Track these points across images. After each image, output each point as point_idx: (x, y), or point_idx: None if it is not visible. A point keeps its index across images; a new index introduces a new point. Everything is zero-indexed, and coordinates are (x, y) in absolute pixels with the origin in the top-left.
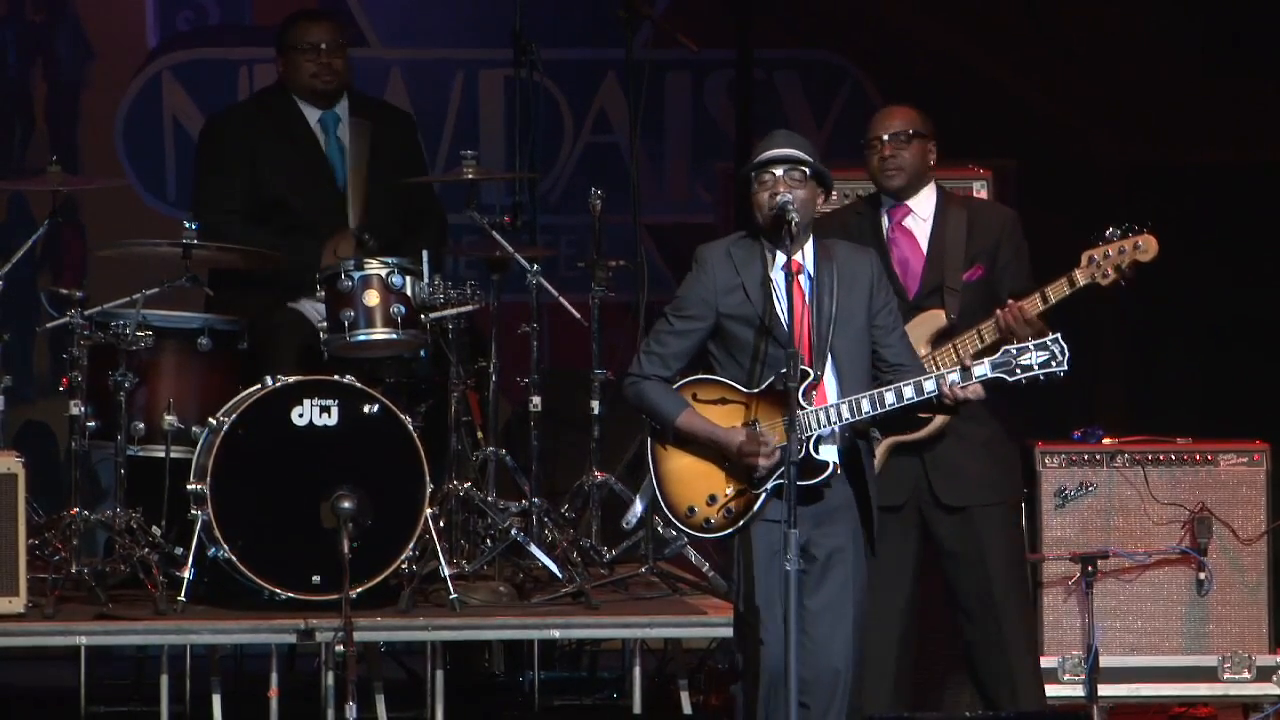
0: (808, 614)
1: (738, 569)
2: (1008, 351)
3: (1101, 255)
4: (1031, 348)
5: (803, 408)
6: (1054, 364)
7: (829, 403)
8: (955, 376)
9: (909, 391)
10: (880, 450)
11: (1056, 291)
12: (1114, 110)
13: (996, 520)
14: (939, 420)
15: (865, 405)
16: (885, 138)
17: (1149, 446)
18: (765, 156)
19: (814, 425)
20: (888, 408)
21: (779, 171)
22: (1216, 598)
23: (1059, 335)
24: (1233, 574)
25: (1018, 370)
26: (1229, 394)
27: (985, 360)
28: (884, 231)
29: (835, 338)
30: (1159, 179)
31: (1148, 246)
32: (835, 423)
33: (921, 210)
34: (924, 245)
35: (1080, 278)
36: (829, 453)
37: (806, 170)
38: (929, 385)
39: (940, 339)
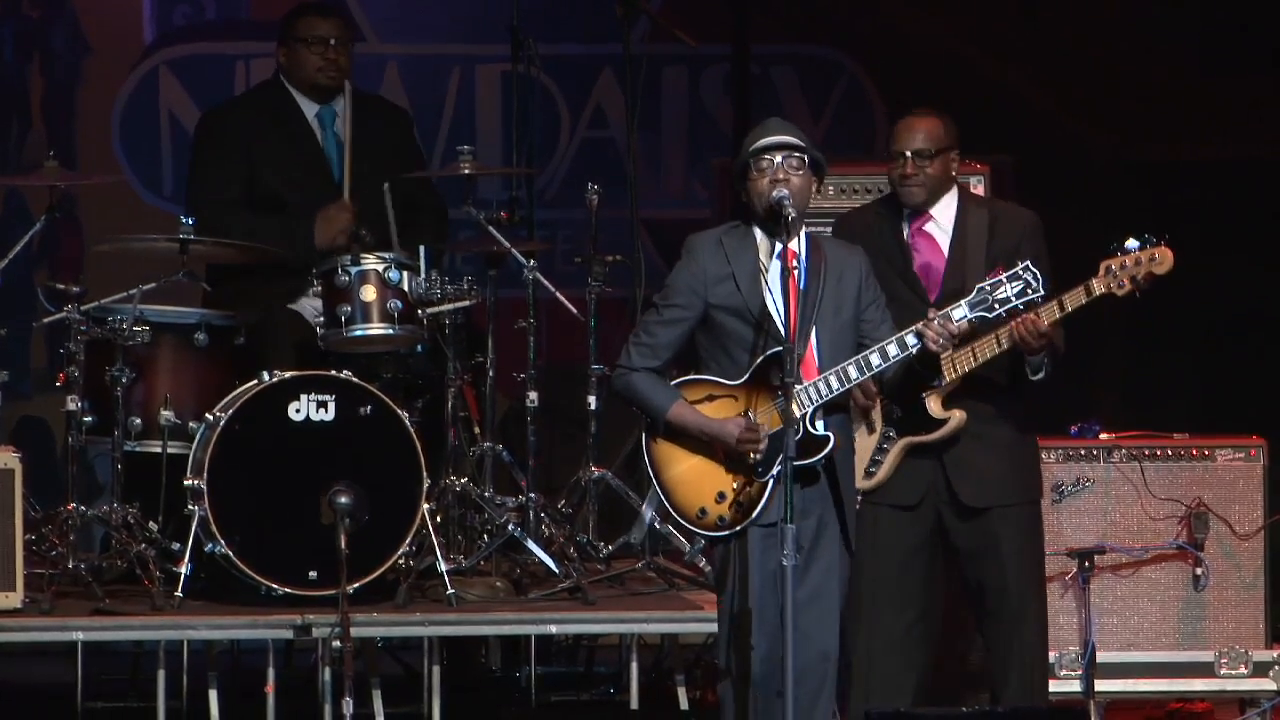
0: (794, 603)
1: (733, 568)
2: (982, 289)
3: (1118, 266)
4: (1004, 280)
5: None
6: (1030, 291)
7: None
8: (935, 325)
9: (893, 349)
10: (895, 450)
11: (1073, 300)
12: (1111, 106)
13: (1016, 521)
14: (954, 423)
15: (853, 371)
16: (909, 154)
17: (1146, 442)
18: (764, 143)
19: (805, 401)
20: (874, 369)
21: (778, 158)
22: (1213, 593)
23: (1029, 263)
24: (1229, 569)
25: (996, 305)
26: (1226, 389)
27: (962, 302)
28: (905, 236)
29: (820, 324)
30: (1156, 175)
31: (1163, 259)
32: (826, 395)
33: (942, 217)
34: (945, 249)
35: (1098, 287)
36: (825, 427)
37: (805, 158)
38: (910, 339)
39: (959, 342)
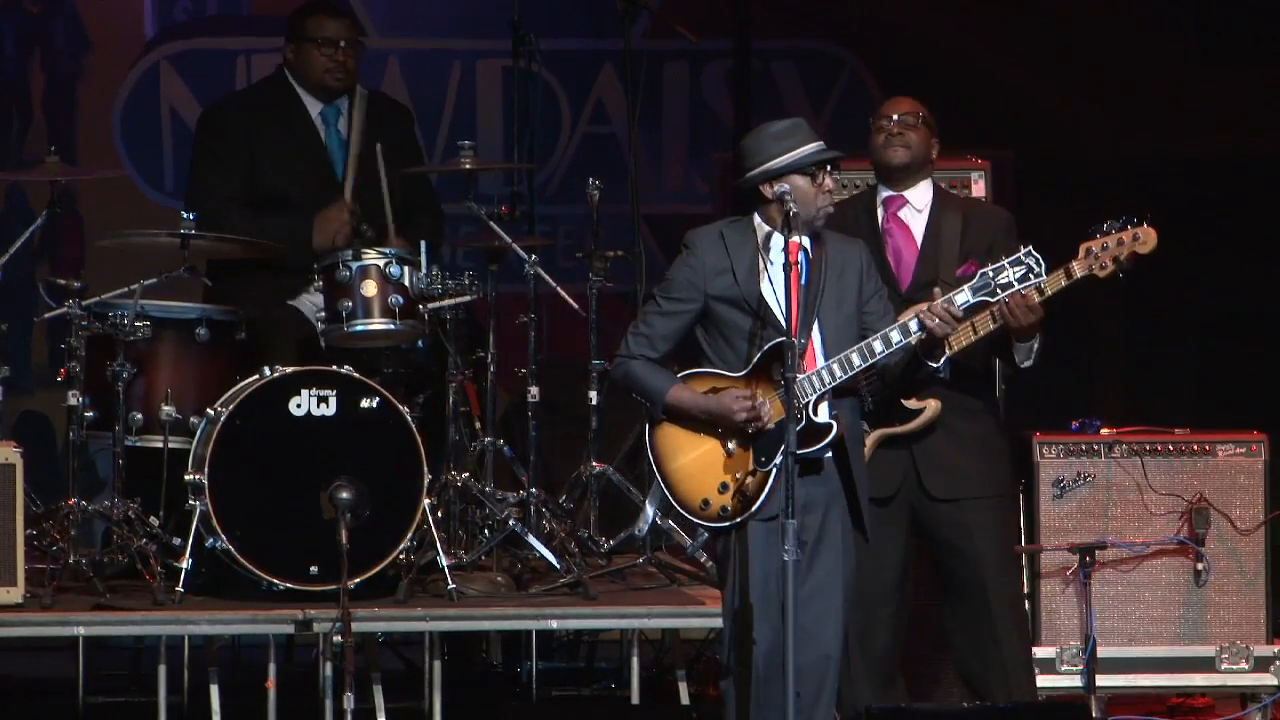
0: (797, 600)
1: (734, 564)
2: (984, 275)
3: (1100, 247)
4: (1007, 265)
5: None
6: (1032, 275)
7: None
8: (938, 308)
9: (896, 335)
10: (869, 442)
11: (1053, 284)
12: (1111, 101)
13: (986, 513)
14: (929, 413)
15: (855, 359)
16: (894, 117)
17: (1147, 437)
18: (826, 155)
19: (808, 390)
20: (877, 356)
21: (830, 170)
22: (1214, 588)
23: (1031, 248)
24: (1230, 564)
25: (998, 290)
26: (1226, 384)
27: (965, 288)
28: (879, 222)
29: (824, 316)
30: (1156, 169)
31: (1147, 238)
32: (829, 384)
33: (917, 202)
34: (919, 238)
35: (1077, 269)
36: (828, 415)
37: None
38: (914, 325)
39: (969, 309)
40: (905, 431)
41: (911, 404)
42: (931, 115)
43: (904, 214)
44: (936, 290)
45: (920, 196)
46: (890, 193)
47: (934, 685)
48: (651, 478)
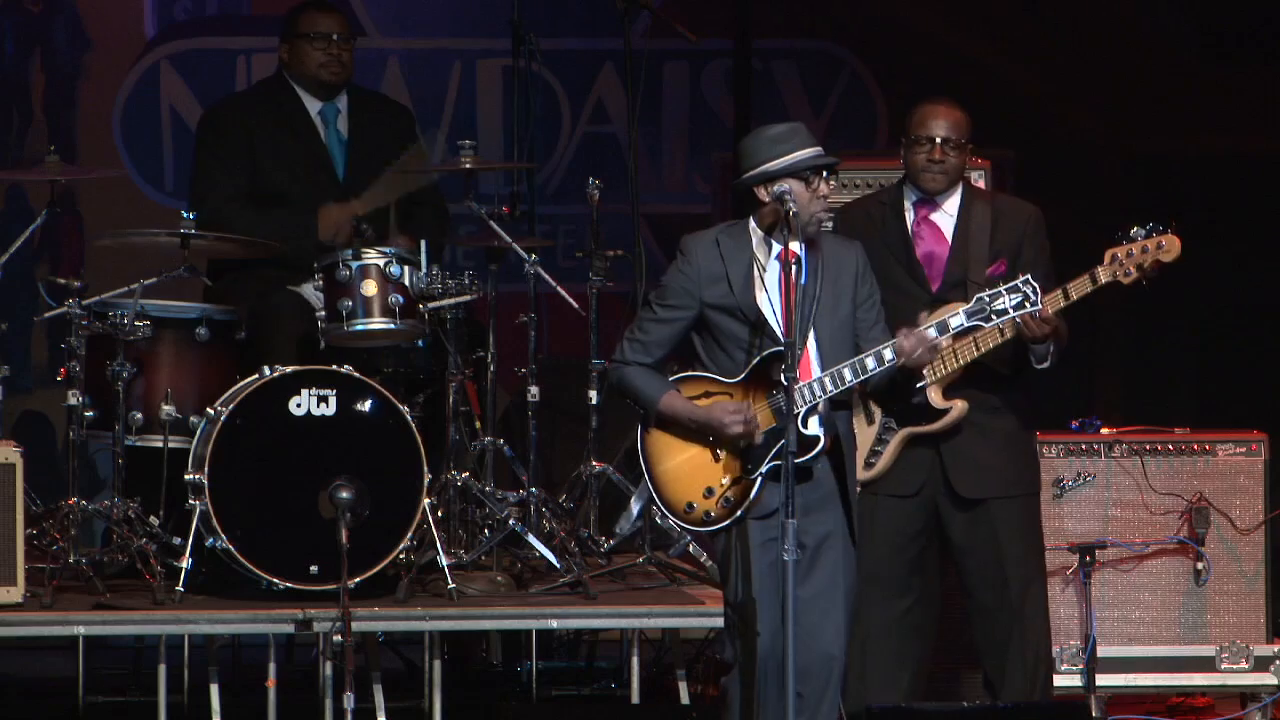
0: (799, 602)
1: (734, 562)
2: (980, 299)
3: (1125, 254)
4: (1004, 291)
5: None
6: (1028, 304)
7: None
8: (933, 331)
9: (889, 354)
10: (895, 441)
11: (1079, 289)
12: (1111, 99)
13: (1012, 514)
14: (956, 413)
15: (847, 374)
16: (938, 140)
17: (1147, 436)
18: (822, 160)
19: (800, 401)
20: (870, 373)
21: (826, 176)
22: (1214, 588)
23: (1030, 276)
24: (1230, 564)
25: (993, 315)
26: (1226, 384)
27: (960, 310)
28: (909, 224)
29: (819, 321)
30: (1157, 167)
31: (1170, 246)
32: (820, 396)
33: (947, 205)
34: (949, 238)
35: (1103, 275)
36: (817, 427)
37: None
38: (887, 353)
39: (961, 332)
40: (932, 431)
41: (938, 404)
42: (970, 123)
43: (934, 216)
44: (924, 315)
45: (951, 201)
46: (920, 195)
47: (953, 684)
48: (641, 479)
